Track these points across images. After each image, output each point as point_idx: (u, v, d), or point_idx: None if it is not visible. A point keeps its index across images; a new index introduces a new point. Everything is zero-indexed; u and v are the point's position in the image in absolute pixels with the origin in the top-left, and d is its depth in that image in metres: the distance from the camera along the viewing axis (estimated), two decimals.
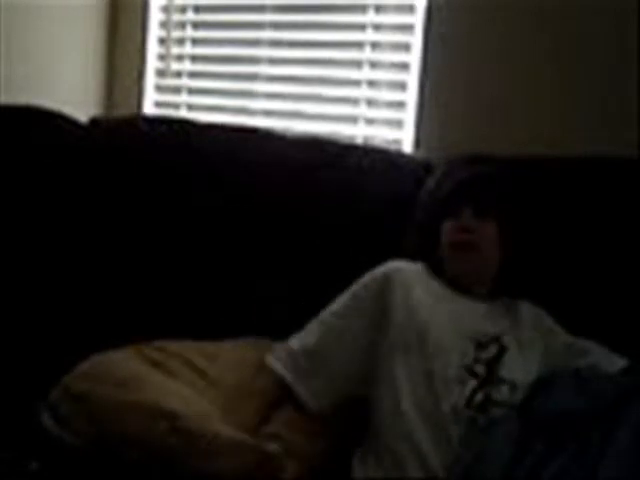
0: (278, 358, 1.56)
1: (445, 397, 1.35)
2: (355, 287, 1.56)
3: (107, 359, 1.55)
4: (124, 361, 1.53)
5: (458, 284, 1.53)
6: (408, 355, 1.42)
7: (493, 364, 1.39)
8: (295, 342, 1.57)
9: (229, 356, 1.62)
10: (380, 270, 1.55)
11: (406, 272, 1.54)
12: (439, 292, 1.52)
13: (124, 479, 1.37)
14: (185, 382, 1.53)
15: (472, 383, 1.37)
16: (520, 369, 1.40)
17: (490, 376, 1.38)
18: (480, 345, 1.42)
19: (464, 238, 1.50)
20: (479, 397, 1.35)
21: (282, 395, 1.54)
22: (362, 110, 2.25)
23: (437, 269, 1.56)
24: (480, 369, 1.38)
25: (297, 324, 1.68)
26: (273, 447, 1.36)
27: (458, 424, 1.33)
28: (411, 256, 1.64)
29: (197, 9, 2.54)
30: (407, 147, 2.14)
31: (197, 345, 1.64)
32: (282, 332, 1.71)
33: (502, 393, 1.37)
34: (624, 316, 1.53)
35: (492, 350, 1.42)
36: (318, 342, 1.54)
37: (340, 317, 1.55)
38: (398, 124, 2.19)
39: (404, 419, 1.37)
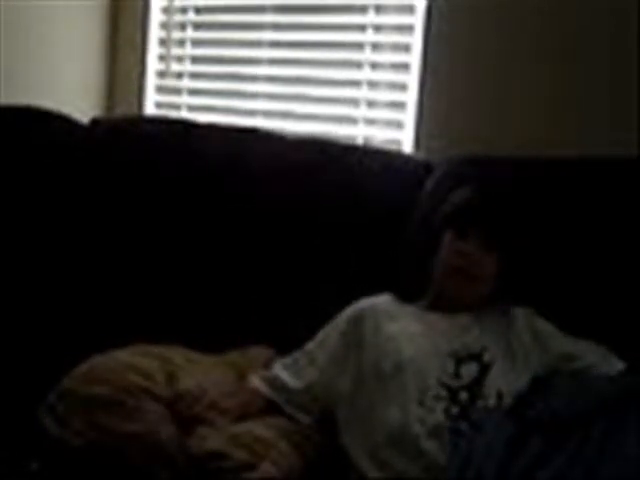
0: (260, 382, 1.59)
1: (418, 418, 1.35)
2: (325, 328, 1.59)
3: (106, 360, 1.55)
4: (124, 361, 1.53)
5: (446, 302, 1.53)
6: (384, 383, 1.43)
7: (474, 387, 1.38)
8: (270, 371, 1.61)
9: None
10: (348, 310, 1.57)
11: (376, 307, 1.55)
12: (414, 316, 1.53)
13: (124, 479, 1.37)
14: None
15: (453, 405, 1.36)
16: (508, 380, 1.39)
17: (472, 401, 1.37)
18: (460, 361, 1.42)
19: (466, 267, 1.49)
20: (461, 408, 1.35)
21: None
22: (362, 111, 2.25)
23: (421, 287, 1.57)
24: (462, 396, 1.37)
25: (298, 324, 1.69)
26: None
27: (437, 439, 1.32)
28: (409, 263, 1.65)
29: (198, 10, 2.54)
30: (407, 148, 2.13)
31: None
32: (282, 333, 1.72)
33: (488, 402, 1.37)
34: (626, 317, 1.53)
35: (473, 368, 1.41)
36: (285, 375, 1.58)
37: (307, 351, 1.59)
38: (398, 125, 2.19)
39: (382, 451, 1.37)
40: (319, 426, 1.52)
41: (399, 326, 1.50)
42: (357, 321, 1.54)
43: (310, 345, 1.59)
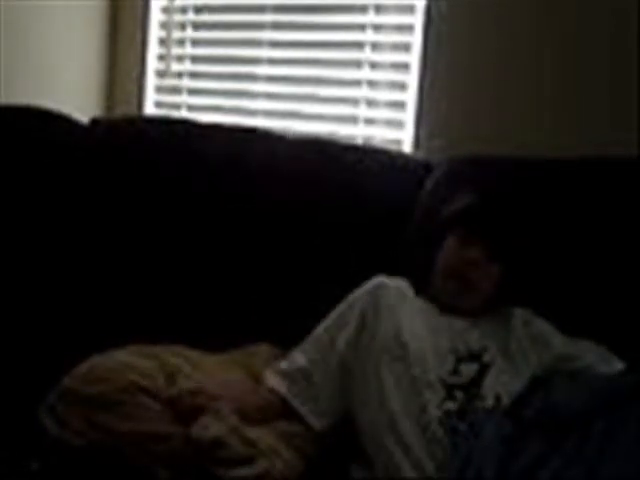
0: (278, 379, 1.55)
1: (430, 402, 1.35)
2: (342, 305, 1.56)
3: (106, 359, 1.55)
4: (123, 360, 1.53)
5: (443, 305, 1.53)
6: (394, 363, 1.42)
7: (472, 388, 1.38)
8: (290, 364, 1.56)
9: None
10: (366, 287, 1.55)
11: (391, 288, 1.54)
12: (422, 308, 1.52)
13: (124, 479, 1.37)
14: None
15: (449, 402, 1.36)
16: (506, 381, 1.39)
17: (470, 402, 1.37)
18: (460, 359, 1.42)
19: (468, 275, 1.48)
20: (458, 407, 1.35)
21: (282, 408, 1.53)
22: (362, 110, 2.25)
23: (422, 285, 1.56)
24: (459, 394, 1.37)
25: (297, 324, 1.68)
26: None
27: (443, 428, 1.32)
28: (408, 263, 1.65)
29: (197, 10, 2.54)
30: (407, 147, 2.14)
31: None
32: (282, 333, 1.72)
33: (486, 403, 1.37)
34: (626, 317, 1.53)
35: (472, 368, 1.41)
36: (310, 363, 1.53)
37: (327, 332, 1.55)
38: (398, 124, 2.20)
39: (394, 421, 1.37)
40: (331, 432, 1.50)
41: (411, 310, 1.49)
42: (374, 296, 1.52)
43: (318, 334, 1.56)
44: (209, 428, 1.37)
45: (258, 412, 1.49)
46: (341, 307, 1.56)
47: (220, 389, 1.49)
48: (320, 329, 1.56)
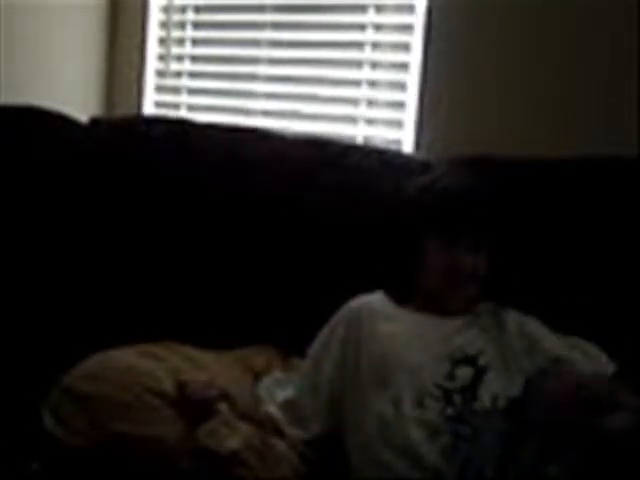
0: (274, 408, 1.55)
1: (415, 421, 1.35)
2: (324, 330, 1.56)
3: (107, 358, 1.55)
4: (124, 360, 1.53)
5: (436, 305, 1.52)
6: (380, 388, 1.42)
7: (468, 391, 1.38)
8: (281, 394, 1.56)
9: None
10: (345, 310, 1.55)
11: (372, 307, 1.54)
12: (409, 317, 1.52)
13: (124, 479, 1.38)
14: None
15: (448, 407, 1.36)
16: (502, 384, 1.39)
17: (467, 404, 1.36)
18: (455, 363, 1.41)
19: (458, 274, 1.49)
20: (456, 410, 1.35)
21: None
22: (362, 110, 2.25)
23: (405, 292, 1.56)
24: (457, 398, 1.37)
25: (297, 324, 1.69)
26: None
27: (435, 442, 1.32)
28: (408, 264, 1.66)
29: (197, 9, 2.54)
30: (407, 147, 2.14)
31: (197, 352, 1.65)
32: (281, 334, 1.72)
33: (483, 405, 1.36)
34: (626, 317, 1.53)
35: (468, 371, 1.40)
36: (297, 394, 1.54)
37: (311, 359, 1.55)
38: (398, 124, 2.20)
39: (377, 452, 1.37)
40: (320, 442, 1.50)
41: (395, 327, 1.49)
42: (355, 323, 1.52)
43: (313, 352, 1.57)
44: (224, 439, 1.36)
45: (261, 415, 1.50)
46: (323, 334, 1.56)
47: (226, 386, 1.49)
48: (307, 359, 1.57)
